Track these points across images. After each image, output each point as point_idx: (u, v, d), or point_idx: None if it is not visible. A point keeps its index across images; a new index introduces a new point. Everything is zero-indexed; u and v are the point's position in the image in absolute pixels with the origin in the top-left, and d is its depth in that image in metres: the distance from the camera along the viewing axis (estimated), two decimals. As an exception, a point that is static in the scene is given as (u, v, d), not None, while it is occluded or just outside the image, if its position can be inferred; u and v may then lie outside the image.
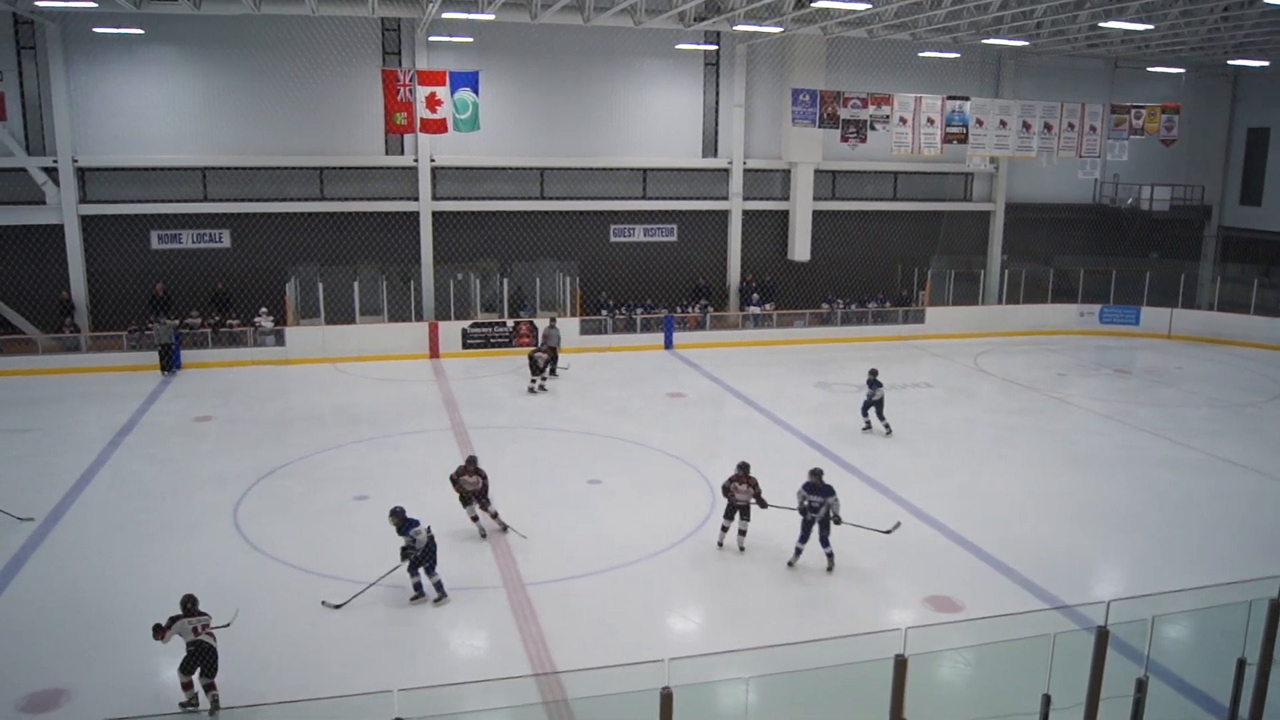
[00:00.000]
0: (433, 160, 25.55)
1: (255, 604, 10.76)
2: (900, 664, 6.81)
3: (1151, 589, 11.34)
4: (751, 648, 9.35)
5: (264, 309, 24.08)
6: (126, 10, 20.99)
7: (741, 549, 12.49)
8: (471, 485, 12.73)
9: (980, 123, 24.90)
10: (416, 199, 25.61)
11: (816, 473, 12.16)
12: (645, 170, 27.62)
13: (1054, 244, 30.73)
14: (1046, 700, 7.33)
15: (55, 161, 23.21)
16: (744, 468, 12.50)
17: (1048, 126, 25.56)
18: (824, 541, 11.96)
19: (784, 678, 7.41)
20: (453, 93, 22.19)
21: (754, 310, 27.55)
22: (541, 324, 23.45)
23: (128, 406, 19.20)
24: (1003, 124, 25.19)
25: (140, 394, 20.20)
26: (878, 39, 26.13)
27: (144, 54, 23.49)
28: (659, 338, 25.86)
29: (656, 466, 16.13)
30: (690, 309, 27.36)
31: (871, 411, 17.89)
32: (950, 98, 24.85)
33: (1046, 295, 29.15)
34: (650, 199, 27.74)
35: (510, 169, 26.42)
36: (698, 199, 28.12)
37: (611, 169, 27.30)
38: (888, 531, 12.56)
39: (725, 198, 28.29)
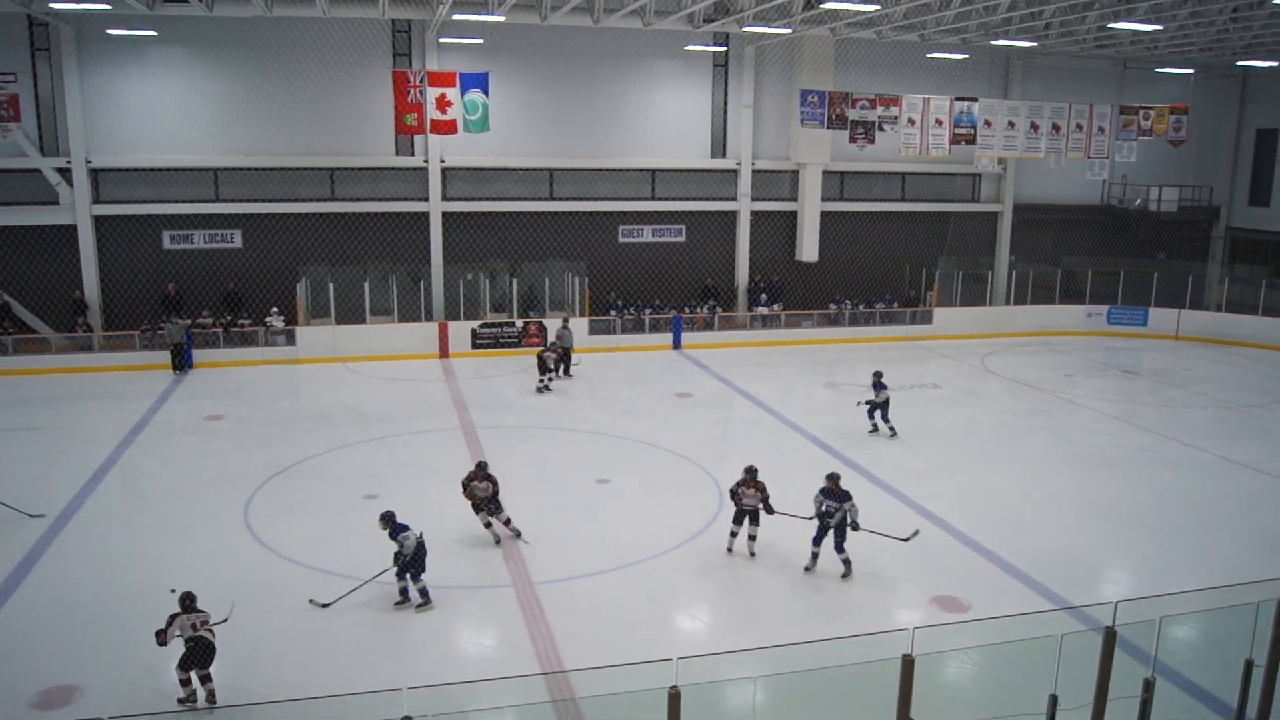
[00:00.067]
0: (443, 161, 25.65)
1: (264, 602, 10.84)
2: (907, 664, 6.84)
3: (1157, 590, 11.37)
4: (759, 647, 9.35)
5: (275, 309, 24.19)
6: (139, 12, 21.14)
7: (752, 554, 12.36)
8: (482, 491, 12.64)
9: (988, 123, 24.93)
10: (426, 199, 25.72)
11: (833, 477, 12.04)
12: (654, 171, 27.67)
13: (1062, 245, 30.70)
14: (1053, 701, 7.35)
15: (69, 162, 23.38)
16: (751, 472, 12.31)
17: (1056, 127, 25.57)
18: (838, 548, 11.78)
19: (791, 677, 7.40)
20: (463, 94, 22.26)
21: (762, 311, 27.58)
22: (553, 325, 23.54)
23: (139, 405, 19.34)
24: (1011, 125, 25.22)
25: (152, 393, 20.35)
26: (886, 40, 26.10)
27: (157, 56, 23.67)
28: (667, 338, 25.92)
29: (665, 466, 16.18)
30: (699, 309, 27.41)
31: (877, 414, 17.94)
32: (958, 99, 24.89)
33: (1054, 296, 29.15)
34: (659, 199, 27.80)
35: (520, 170, 26.51)
36: (706, 199, 28.17)
37: (620, 170, 27.35)
38: (906, 539, 12.26)
39: (734, 198, 28.32)
